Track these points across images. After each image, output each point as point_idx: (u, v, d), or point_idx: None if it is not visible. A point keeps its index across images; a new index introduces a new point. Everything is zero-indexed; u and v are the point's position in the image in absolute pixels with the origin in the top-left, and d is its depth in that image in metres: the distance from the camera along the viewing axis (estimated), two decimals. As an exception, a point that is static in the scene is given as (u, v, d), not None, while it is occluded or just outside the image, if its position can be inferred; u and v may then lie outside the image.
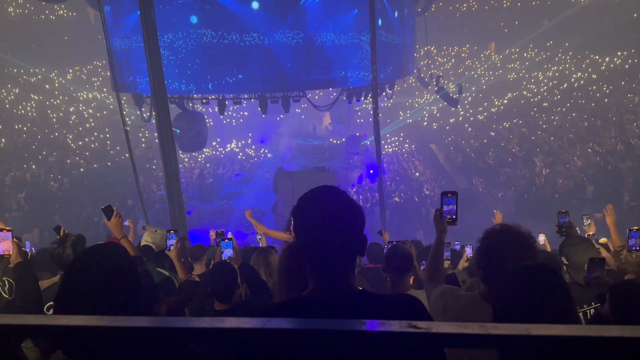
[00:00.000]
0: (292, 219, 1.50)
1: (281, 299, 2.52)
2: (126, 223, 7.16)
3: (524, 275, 1.66)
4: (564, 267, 3.34)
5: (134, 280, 1.63)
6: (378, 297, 1.44)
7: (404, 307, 1.41)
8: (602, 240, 5.58)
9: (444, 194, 2.84)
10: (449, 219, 2.79)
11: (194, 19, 14.26)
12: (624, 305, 2.30)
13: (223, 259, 4.07)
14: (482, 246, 2.25)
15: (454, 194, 2.84)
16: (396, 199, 19.77)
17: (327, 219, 1.37)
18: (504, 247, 2.16)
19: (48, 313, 3.13)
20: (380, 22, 14.45)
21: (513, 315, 1.58)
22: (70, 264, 1.63)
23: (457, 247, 7.67)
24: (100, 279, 1.54)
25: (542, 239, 6.97)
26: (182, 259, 4.66)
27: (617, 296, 2.34)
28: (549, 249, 6.20)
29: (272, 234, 6.26)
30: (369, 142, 24.83)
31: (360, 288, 1.44)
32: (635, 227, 3.90)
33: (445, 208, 2.80)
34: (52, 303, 3.00)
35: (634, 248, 3.84)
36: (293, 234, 1.53)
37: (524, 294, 1.58)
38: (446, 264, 5.59)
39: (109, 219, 3.96)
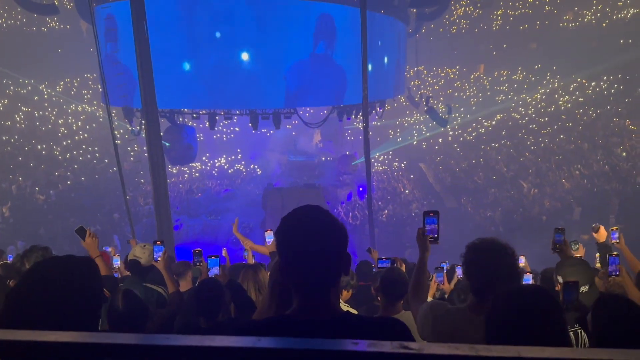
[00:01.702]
0: (274, 239, 1.50)
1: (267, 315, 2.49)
2: (108, 249, 7.16)
3: (519, 296, 1.66)
4: (558, 285, 3.34)
5: (93, 300, 1.53)
6: (362, 319, 1.44)
7: (388, 330, 1.40)
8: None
9: (426, 213, 2.88)
10: (431, 238, 2.83)
11: (185, 50, 14.40)
12: (603, 317, 2.30)
13: (210, 276, 4.03)
14: (471, 258, 2.28)
15: (436, 213, 2.87)
16: (384, 217, 19.78)
17: (309, 239, 1.37)
18: (496, 258, 2.19)
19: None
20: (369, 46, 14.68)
21: (506, 337, 1.57)
22: (28, 271, 1.49)
23: (445, 267, 7.64)
24: (57, 292, 1.42)
25: (522, 260, 6.97)
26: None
27: (598, 309, 2.35)
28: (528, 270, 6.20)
29: (258, 249, 6.26)
30: (359, 162, 24.87)
31: (346, 309, 1.43)
32: (615, 253, 3.92)
33: (427, 227, 2.84)
34: None
35: (613, 273, 3.86)
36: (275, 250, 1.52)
37: (518, 315, 1.58)
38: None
39: (83, 240, 3.93)
